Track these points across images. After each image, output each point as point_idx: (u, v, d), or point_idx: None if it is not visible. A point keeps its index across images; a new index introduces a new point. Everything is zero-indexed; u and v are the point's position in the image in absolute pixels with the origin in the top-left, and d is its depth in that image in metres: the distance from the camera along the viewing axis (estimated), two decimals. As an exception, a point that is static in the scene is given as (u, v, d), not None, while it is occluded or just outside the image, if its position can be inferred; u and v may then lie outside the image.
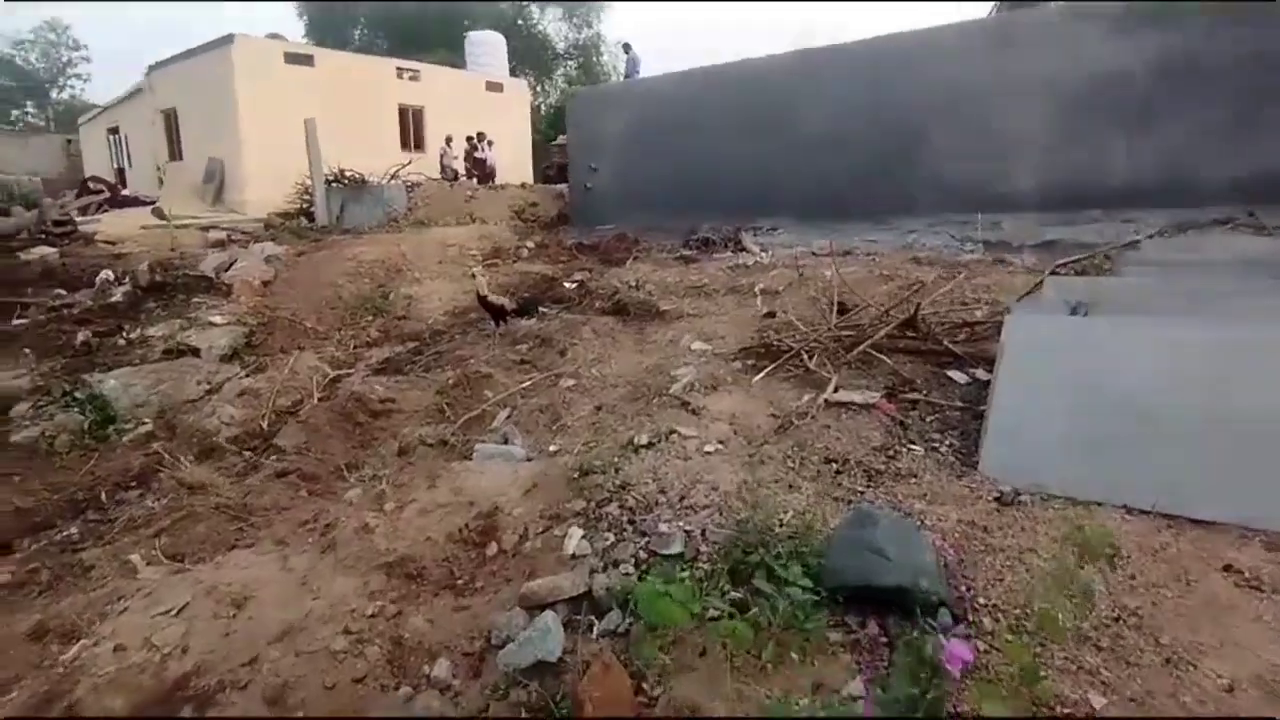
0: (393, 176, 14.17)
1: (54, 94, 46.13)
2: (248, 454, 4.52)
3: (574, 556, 2.88)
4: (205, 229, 12.38)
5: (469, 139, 17.18)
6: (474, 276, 6.48)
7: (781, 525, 2.79)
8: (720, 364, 4.93)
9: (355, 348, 6.45)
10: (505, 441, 4.13)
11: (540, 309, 6.48)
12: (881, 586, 2.30)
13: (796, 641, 2.22)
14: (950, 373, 4.31)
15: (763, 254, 8.71)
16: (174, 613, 2.78)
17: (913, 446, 3.48)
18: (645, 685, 2.20)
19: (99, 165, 24.17)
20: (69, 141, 30.42)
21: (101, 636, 2.70)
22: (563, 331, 5.87)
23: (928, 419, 3.82)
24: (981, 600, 2.35)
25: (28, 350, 6.33)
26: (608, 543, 2.91)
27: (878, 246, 8.31)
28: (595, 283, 7.78)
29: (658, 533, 2.87)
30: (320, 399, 5.04)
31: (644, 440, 3.70)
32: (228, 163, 17.18)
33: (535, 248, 9.98)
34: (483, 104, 20.88)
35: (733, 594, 2.48)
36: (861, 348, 4.48)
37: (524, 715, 2.20)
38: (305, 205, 13.62)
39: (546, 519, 3.22)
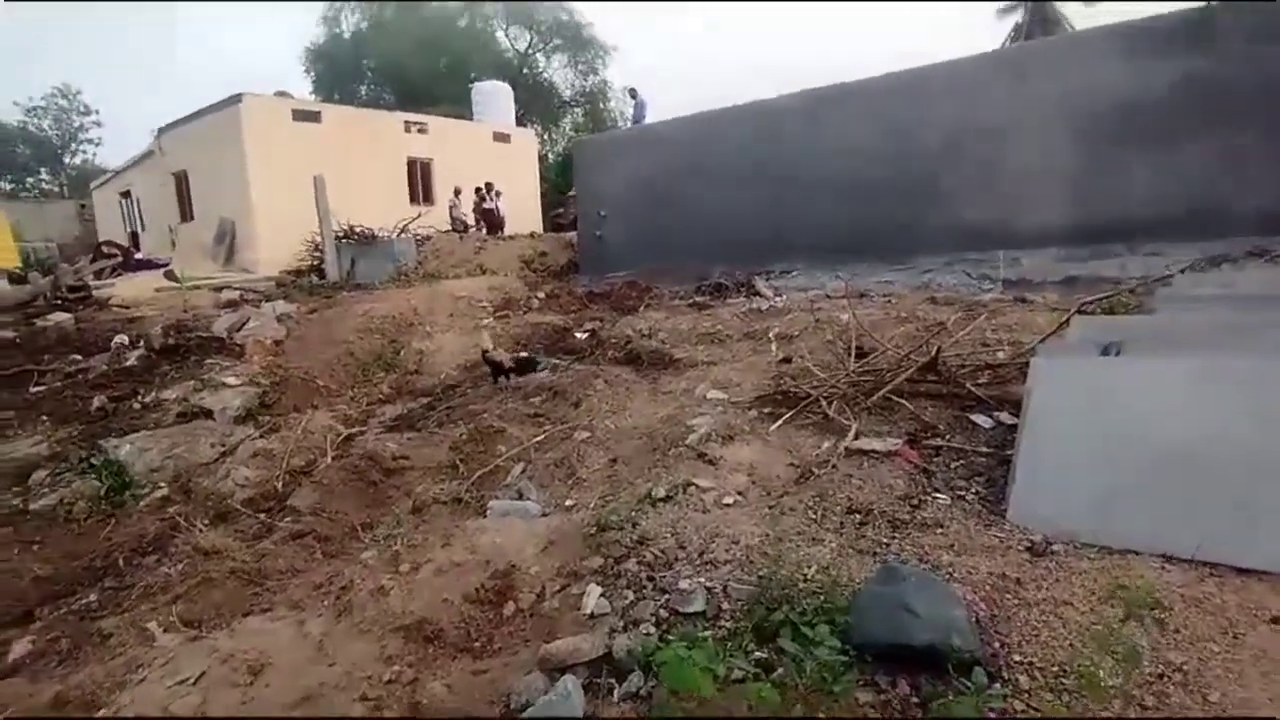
0: (402, 230, 14.55)
1: (66, 159, 47.91)
2: (263, 516, 4.58)
3: (593, 615, 2.89)
4: (218, 289, 12.72)
5: (477, 190, 17.64)
6: (480, 329, 6.61)
7: (805, 580, 2.79)
8: (736, 413, 4.97)
9: (368, 405, 6.57)
10: (520, 497, 4.17)
11: (540, 364, 6.68)
12: (912, 645, 2.29)
13: (825, 703, 2.22)
14: (974, 417, 4.32)
15: (776, 298, 8.82)
16: (191, 681, 2.81)
17: (938, 495, 3.48)
18: (667, 752, 2.20)
19: (112, 229, 24.99)
20: (82, 206, 31.53)
21: (121, 706, 2.74)
22: (576, 383, 5.95)
23: (952, 465, 3.83)
24: (1017, 657, 2.33)
25: (45, 417, 6.50)
26: (627, 601, 2.93)
27: (893, 287, 8.40)
28: (607, 332, 7.89)
29: (678, 590, 2.88)
30: (334, 458, 5.12)
31: (661, 493, 3.73)
32: (238, 222, 17.71)
33: (546, 298, 10.17)
34: (490, 154, 21.48)
35: (757, 654, 2.48)
36: (881, 393, 4.51)
37: (546, 785, 2.20)
38: (316, 262, 13.99)
39: (564, 577, 3.24)
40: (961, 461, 3.85)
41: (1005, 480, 3.48)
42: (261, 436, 5.72)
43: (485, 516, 4.02)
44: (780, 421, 4.57)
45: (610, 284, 10.92)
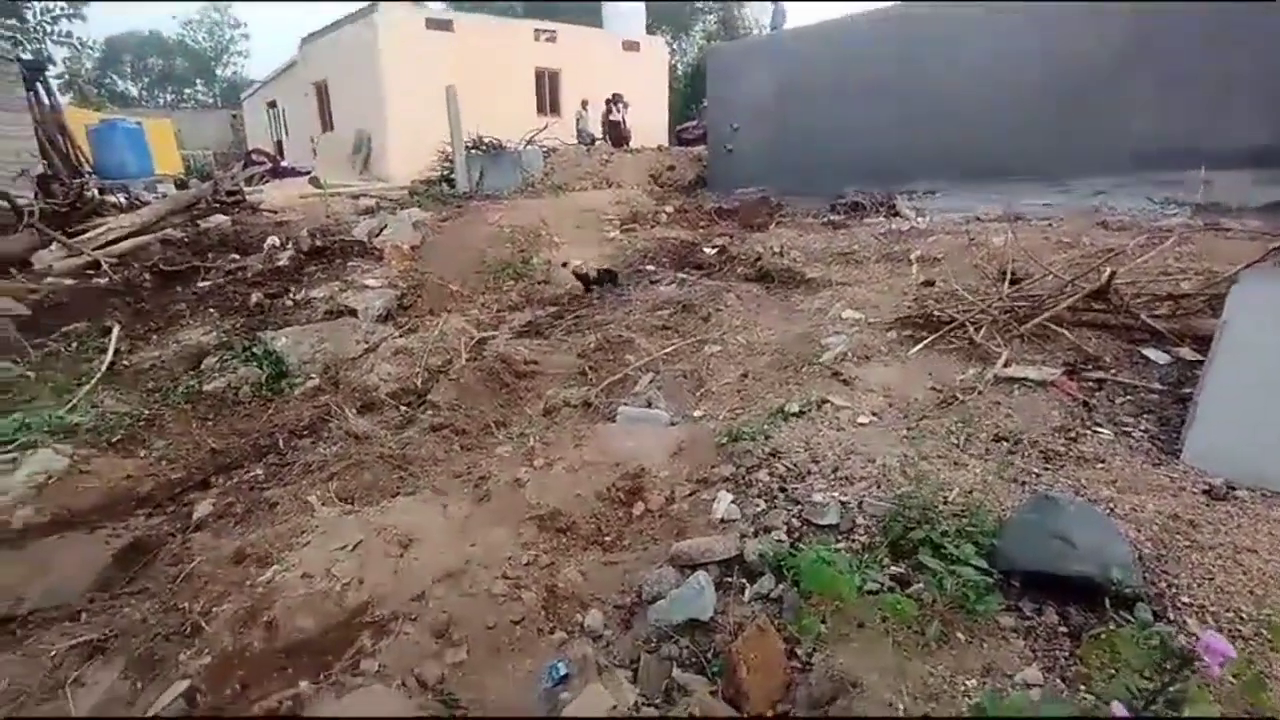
0: (529, 141, 14.74)
1: (219, 71, 51.56)
2: (404, 409, 4.97)
3: (723, 520, 2.98)
4: (355, 197, 13.49)
5: (607, 101, 17.45)
6: (565, 265, 7.46)
7: (946, 503, 2.74)
8: (873, 334, 4.83)
9: (498, 311, 6.87)
10: (649, 405, 4.29)
11: (618, 278, 7.37)
12: (1065, 575, 2.22)
13: (964, 622, 2.20)
14: (1146, 351, 3.98)
15: (919, 219, 8.34)
16: (349, 549, 3.16)
17: (1099, 429, 3.27)
18: (799, 651, 2.27)
19: (260, 138, 26.87)
20: (234, 116, 34.03)
21: (290, 564, 3.12)
22: (705, 298, 5.95)
23: (1117, 401, 3.57)
24: (1186, 599, 2.21)
25: (212, 310, 7.25)
26: (758, 509, 2.99)
27: (1055, 210, 7.72)
28: (736, 249, 7.77)
29: (811, 501, 2.91)
30: (468, 359, 5.43)
31: (794, 409, 3.72)
32: (374, 133, 18.54)
33: (673, 212, 10.10)
34: (619, 64, 21.13)
35: (892, 569, 2.49)
36: (1038, 320, 4.22)
37: (675, 669, 2.34)
38: (445, 172, 14.48)
39: (693, 483, 3.34)
40: (1129, 398, 3.58)
41: (1181, 420, 3.21)
42: (401, 336, 6.14)
43: (614, 422, 4.18)
44: (921, 345, 4.40)
45: (739, 200, 10.68)
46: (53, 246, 9.03)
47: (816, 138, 10.95)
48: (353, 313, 6.69)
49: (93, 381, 5.66)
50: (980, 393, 3.67)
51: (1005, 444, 3.21)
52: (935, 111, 9.62)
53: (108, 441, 4.77)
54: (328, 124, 21.21)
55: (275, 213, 11.95)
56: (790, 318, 5.57)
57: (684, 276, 6.93)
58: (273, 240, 9.15)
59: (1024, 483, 2.89)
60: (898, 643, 2.18)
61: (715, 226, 9.45)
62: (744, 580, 2.63)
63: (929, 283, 5.60)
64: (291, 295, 7.37)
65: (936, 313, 4.69)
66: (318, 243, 8.70)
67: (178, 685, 2.52)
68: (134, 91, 48.89)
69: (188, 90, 51.28)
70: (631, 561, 2.95)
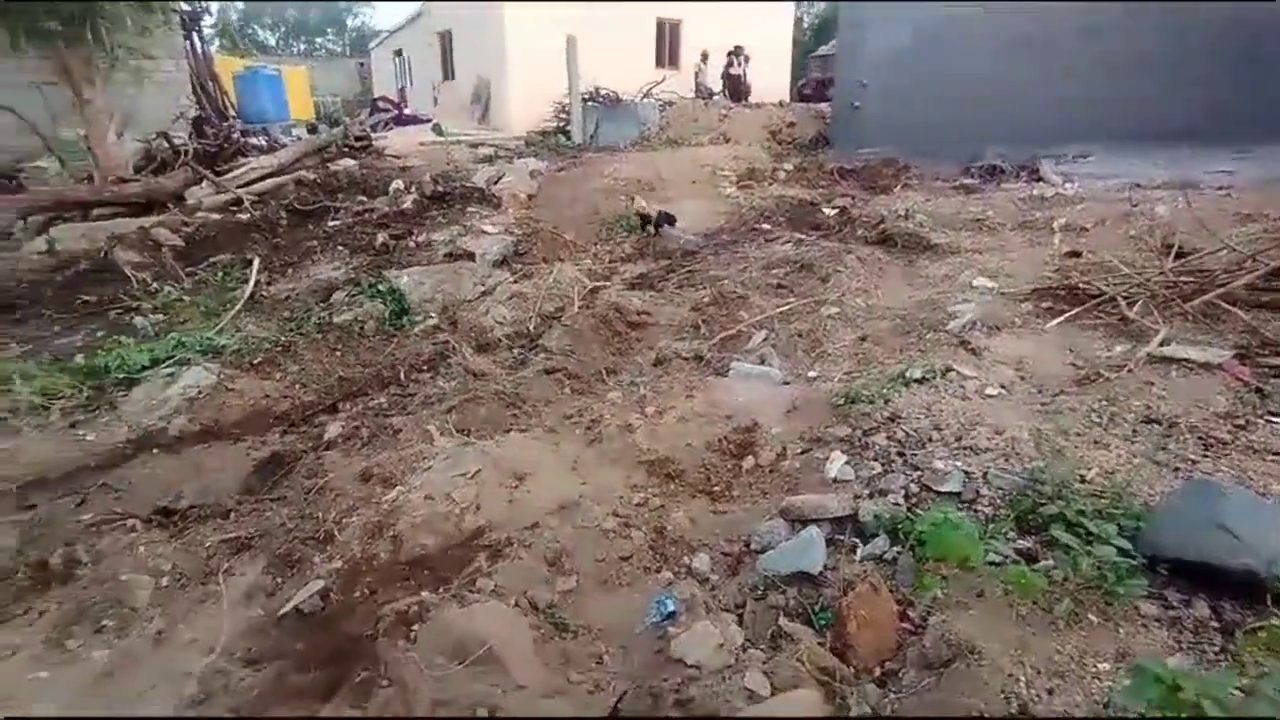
0: (646, 94, 14.69)
1: (349, 21, 53.99)
2: (517, 351, 5.16)
3: (835, 480, 2.96)
4: (474, 145, 13.89)
5: (728, 54, 17.06)
6: (633, 199, 7.92)
7: (1084, 482, 2.61)
8: (1007, 304, 4.60)
9: (610, 262, 6.96)
10: (761, 362, 4.26)
11: (675, 221, 7.74)
12: (1224, 567, 2.08)
13: (1098, 603, 2.11)
14: (1337, 338, 3.59)
15: (1065, 185, 7.78)
16: (468, 476, 3.33)
17: (1274, 419, 3.00)
18: (911, 613, 2.24)
19: (385, 85, 28.00)
20: (361, 65, 35.60)
21: (413, 486, 3.33)
22: (824, 259, 5.81)
23: (1297, 390, 3.25)
24: (1362, 603, 2.02)
25: (341, 247, 7.71)
26: (874, 471, 2.94)
27: (1233, 178, 7.01)
28: (858, 210, 7.52)
29: (931, 468, 2.83)
30: (580, 307, 5.55)
31: (917, 375, 3.61)
32: (493, 82, 18.95)
33: (793, 171, 9.85)
34: (742, 16, 20.54)
35: (1019, 542, 2.40)
36: (1208, 297, 3.88)
37: (781, 618, 2.36)
38: (561, 123, 14.68)
39: (807, 441, 3.32)
40: (1312, 388, 3.26)
41: (1374, 416, 2.90)
42: (516, 281, 6.33)
43: (726, 376, 4.18)
44: (1062, 318, 4.15)
45: (864, 160, 10.27)
46: (203, 184, 9.81)
47: (953, 95, 10.34)
48: (471, 257, 6.94)
49: (236, 308, 6.16)
50: (1130, 371, 3.44)
51: (1157, 426, 3.00)
52: (1090, 65, 8.86)
53: (249, 363, 5.19)
54: (449, 73, 21.84)
55: (399, 158, 12.48)
56: (914, 283, 5.36)
57: (801, 237, 6.78)
58: (397, 184, 9.58)
59: (1177, 469, 2.70)
60: (1021, 616, 2.12)
61: (836, 187, 9.15)
62: (855, 539, 2.61)
63: (1074, 253, 5.24)
64: (414, 237, 7.73)
65: (1082, 285, 4.39)
66: (439, 188, 9.05)
67: (314, 584, 2.77)
68: (271, 41, 51.94)
69: (319, 39, 54.03)
70: (740, 512, 2.98)
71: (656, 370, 4.50)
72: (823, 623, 2.30)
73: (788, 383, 4.05)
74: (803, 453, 3.25)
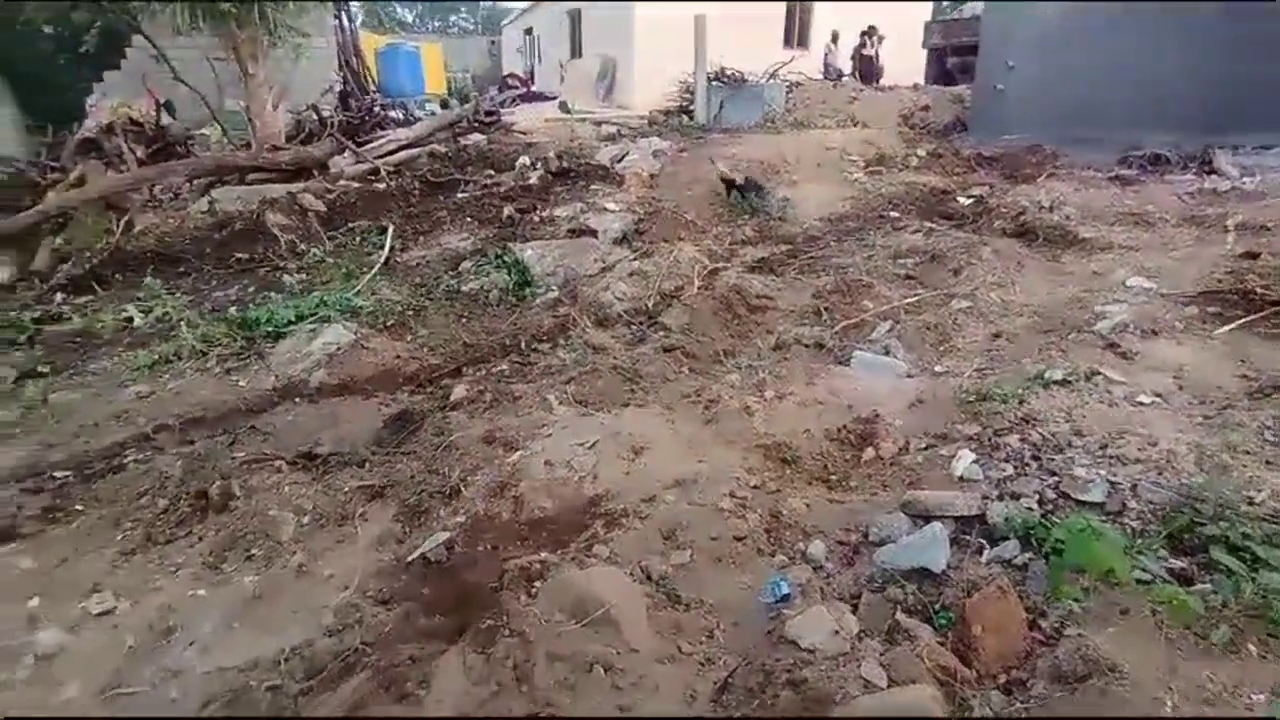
0: (772, 75, 14.40)
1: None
2: (635, 327, 5.24)
3: (962, 479, 2.86)
4: (597, 124, 14.08)
5: (862, 34, 16.41)
6: (714, 163, 8.06)
7: (1252, 504, 2.40)
8: (1166, 306, 4.26)
9: (730, 244, 6.92)
10: (886, 353, 4.16)
11: (764, 189, 7.90)
12: None
13: (1259, 632, 1.96)
14: None
15: (1244, 179, 7.07)
16: (587, 446, 3.44)
17: None
18: (1043, 623, 2.15)
19: (513, 63, 28.81)
20: (492, 42, 36.74)
21: (534, 451, 3.48)
22: (956, 250, 5.56)
23: None
24: None
25: (469, 219, 8.05)
26: (1004, 474, 2.83)
27: None
28: (997, 200, 7.13)
29: (1071, 475, 2.69)
30: (699, 288, 5.56)
31: (1057, 376, 3.43)
32: (619, 60, 19.11)
33: (926, 157, 9.43)
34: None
35: (1171, 562, 2.25)
36: None
37: (899, 612, 2.32)
38: (684, 103, 14.61)
39: (931, 436, 3.22)
40: None
41: None
42: (636, 259, 6.41)
43: (848, 365, 4.11)
44: (1233, 325, 3.81)
45: (1005, 146, 9.68)
46: (345, 154, 10.45)
47: (1111, 77, 9.54)
48: (592, 233, 7.08)
49: (372, 272, 6.56)
50: (1312, 387, 3.13)
51: (1341, 449, 2.72)
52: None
53: (383, 324, 5.52)
54: (576, 51, 22.19)
55: (525, 134, 12.83)
56: (1057, 280, 5.06)
57: (932, 226, 6.51)
58: (524, 160, 9.86)
59: (1366, 498, 2.45)
60: (1170, 639, 1.99)
61: (973, 175, 8.69)
62: (982, 541, 2.52)
63: (1251, 254, 4.78)
64: (538, 212, 7.95)
65: (1260, 289, 4.01)
66: (564, 164, 9.25)
67: (439, 535, 2.95)
68: (409, 18, 54.40)
69: (453, 17, 56.17)
70: (858, 503, 2.93)
71: (775, 355, 4.47)
72: (943, 622, 2.24)
73: (912, 375, 3.93)
74: (927, 448, 3.16)
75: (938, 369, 3.96)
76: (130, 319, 6.08)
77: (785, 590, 2.38)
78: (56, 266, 7.47)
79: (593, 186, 8.59)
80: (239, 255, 7.46)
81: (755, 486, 3.03)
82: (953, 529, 2.57)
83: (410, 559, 2.85)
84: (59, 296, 6.84)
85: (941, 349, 4.19)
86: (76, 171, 9.53)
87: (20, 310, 6.38)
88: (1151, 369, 3.54)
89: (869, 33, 16.34)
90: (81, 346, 5.63)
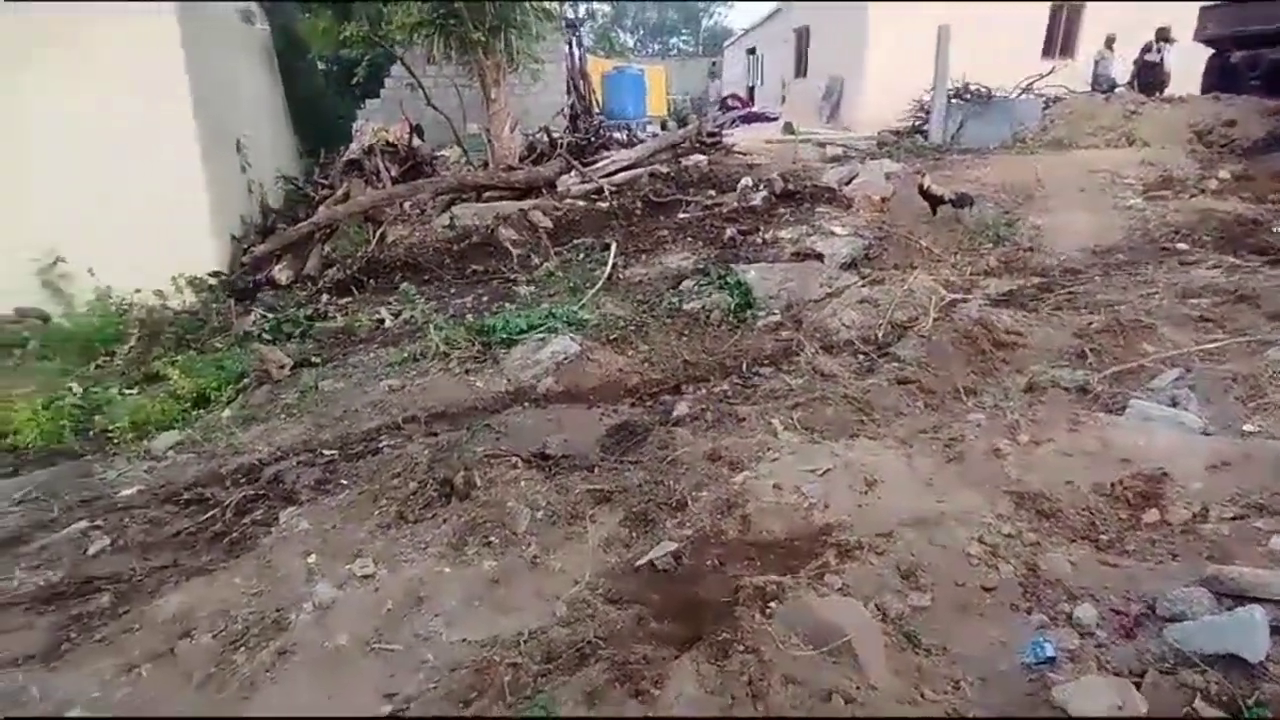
0: (1026, 89, 13.55)
1: (704, 21, 57.80)
2: (863, 356, 5.14)
3: (1282, 558, 2.51)
4: (821, 145, 14.03)
5: (1156, 39, 14.23)
6: (920, 173, 7.99)
7: None
8: None
9: (971, 274, 6.59)
10: (1173, 405, 3.74)
11: (975, 203, 7.75)
12: None
13: None
14: None
15: None
16: (818, 473, 3.45)
17: None
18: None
19: (734, 84, 29.52)
20: (713, 64, 37.94)
21: (760, 474, 3.54)
22: (1274, 290, 4.89)
23: None
24: None
25: (691, 238, 8.36)
26: (1343, 557, 2.44)
27: None
28: (1325, 233, 6.17)
29: None
30: (935, 319, 5.35)
31: None
32: (847, 79, 18.91)
33: (1228, 180, 8.35)
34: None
35: None
36: None
37: (1198, 700, 2.07)
38: (918, 122, 14.13)
39: (1241, 506, 2.86)
40: None
41: None
42: (865, 286, 6.30)
43: (1120, 415, 3.75)
44: None
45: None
46: (571, 173, 11.29)
47: None
48: (818, 257, 7.08)
49: (596, 287, 7.02)
50: None
51: None
52: None
53: (606, 338, 5.88)
54: (801, 70, 22.31)
55: (746, 155, 13.10)
56: None
57: (1236, 261, 5.76)
58: (746, 181, 10.07)
59: None
60: None
61: (1294, 201, 7.57)
62: (1319, 633, 2.19)
63: None
64: (761, 233, 8.09)
65: None
66: (789, 186, 9.33)
67: (666, 544, 3.09)
68: (630, 42, 57.69)
69: (673, 40, 58.71)
70: (1138, 569, 2.66)
71: (1027, 397, 4.19)
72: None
73: (1210, 433, 3.50)
74: (1234, 519, 2.81)
75: (1246, 427, 3.50)
76: (382, 320, 7.00)
77: (1050, 652, 2.23)
78: (324, 271, 8.78)
79: (818, 209, 8.59)
80: (475, 267, 8.33)
81: (1008, 535, 2.85)
82: (1271, 615, 2.26)
83: (639, 564, 3.01)
84: (325, 297, 8.02)
85: (1252, 404, 3.69)
86: (343, 188, 11.15)
87: (296, 308, 7.57)
88: None
89: (1159, 35, 14.24)
90: (343, 342, 6.56)
